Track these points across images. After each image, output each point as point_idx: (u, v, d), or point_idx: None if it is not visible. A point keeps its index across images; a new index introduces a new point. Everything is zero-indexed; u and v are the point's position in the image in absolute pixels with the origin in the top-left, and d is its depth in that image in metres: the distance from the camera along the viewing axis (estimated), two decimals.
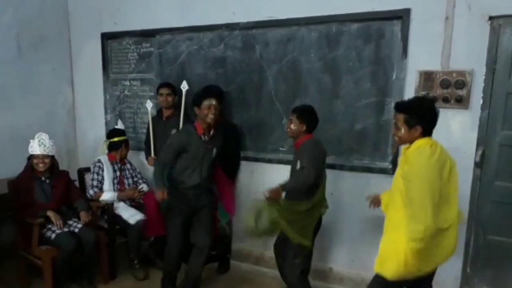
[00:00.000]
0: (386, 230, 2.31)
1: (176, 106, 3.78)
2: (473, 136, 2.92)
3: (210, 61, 3.82)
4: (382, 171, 3.20)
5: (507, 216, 2.92)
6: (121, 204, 3.62)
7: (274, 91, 3.58)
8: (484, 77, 2.83)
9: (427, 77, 2.97)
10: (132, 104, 4.38)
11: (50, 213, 3.23)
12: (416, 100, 2.27)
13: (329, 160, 3.03)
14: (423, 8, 2.94)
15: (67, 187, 3.48)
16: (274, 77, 3.56)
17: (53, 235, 3.19)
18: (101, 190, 3.63)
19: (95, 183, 3.65)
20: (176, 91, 3.77)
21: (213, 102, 2.95)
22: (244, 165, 3.78)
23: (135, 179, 3.86)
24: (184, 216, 3.11)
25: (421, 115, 2.16)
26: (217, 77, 3.79)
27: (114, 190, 3.66)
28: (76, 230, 3.29)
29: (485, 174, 2.94)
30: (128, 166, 3.86)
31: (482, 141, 2.90)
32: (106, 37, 4.38)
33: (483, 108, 2.87)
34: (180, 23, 3.88)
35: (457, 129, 2.96)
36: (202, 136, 3.02)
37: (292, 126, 2.86)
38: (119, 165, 3.76)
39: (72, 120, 4.72)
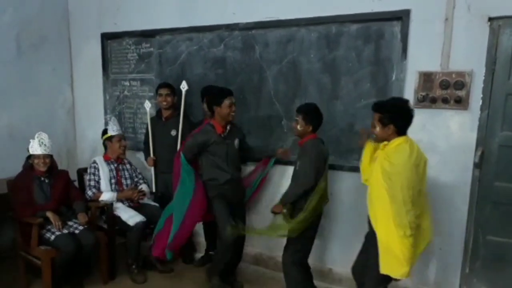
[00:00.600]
0: (376, 227, 2.37)
1: (175, 107, 3.78)
2: (473, 136, 2.92)
3: (210, 62, 3.83)
4: None
5: (506, 216, 2.93)
6: (120, 205, 3.61)
7: (273, 91, 3.58)
8: (483, 78, 2.83)
9: (426, 78, 2.98)
10: (132, 104, 4.39)
11: (49, 214, 3.22)
12: (390, 101, 2.45)
13: (329, 160, 3.03)
14: (422, 9, 2.95)
15: (67, 187, 3.48)
16: (274, 77, 3.56)
17: (52, 237, 3.18)
18: (99, 190, 3.62)
19: (92, 183, 3.64)
20: (176, 92, 3.77)
21: (233, 99, 3.12)
22: (244, 166, 3.77)
23: (135, 179, 3.84)
24: (227, 204, 3.20)
25: (393, 114, 2.33)
26: (217, 77, 3.79)
27: (111, 190, 3.64)
28: (76, 231, 3.27)
29: (485, 174, 2.94)
30: (128, 166, 3.84)
31: (482, 141, 2.90)
32: (106, 37, 4.38)
33: (482, 109, 2.87)
34: (180, 23, 3.88)
35: (457, 129, 2.96)
36: (221, 134, 3.16)
37: (298, 126, 2.90)
38: (115, 165, 3.74)
39: (72, 120, 4.72)
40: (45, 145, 3.31)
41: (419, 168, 2.32)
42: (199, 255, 3.99)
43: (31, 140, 3.29)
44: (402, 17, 3.01)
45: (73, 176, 3.82)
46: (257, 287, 3.50)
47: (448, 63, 2.92)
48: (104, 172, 3.67)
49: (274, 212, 2.96)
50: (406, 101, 2.42)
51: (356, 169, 3.31)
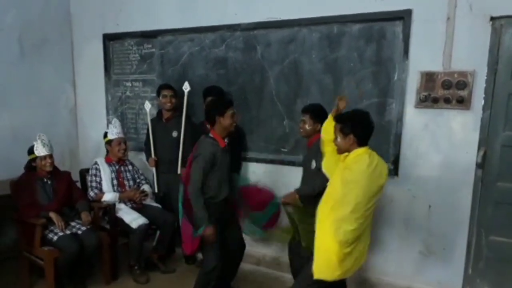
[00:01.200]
0: (318, 228, 2.39)
1: (175, 108, 3.79)
2: (475, 137, 2.91)
3: (212, 62, 3.83)
4: None
5: (509, 217, 2.92)
6: (123, 206, 3.61)
7: (275, 92, 3.58)
8: (485, 77, 2.83)
9: (428, 77, 2.97)
10: (134, 105, 4.39)
11: (52, 215, 3.23)
12: (351, 112, 2.47)
13: None
14: (424, 9, 2.94)
15: (69, 188, 3.49)
16: (276, 78, 3.56)
17: (55, 237, 3.19)
18: (101, 191, 3.63)
19: (94, 184, 3.64)
20: (177, 93, 3.77)
21: (234, 109, 2.91)
22: (246, 166, 3.78)
23: (138, 180, 3.85)
24: (220, 228, 2.94)
25: (353, 126, 2.35)
26: (219, 78, 3.80)
27: (114, 191, 3.65)
28: (79, 232, 3.29)
29: (487, 175, 2.93)
30: (130, 167, 3.85)
31: (484, 142, 2.89)
32: (108, 38, 4.39)
33: (484, 109, 2.86)
34: (182, 24, 3.89)
35: (459, 130, 2.95)
36: (223, 148, 2.91)
37: (306, 126, 2.89)
38: (116, 166, 3.74)
39: (74, 121, 4.73)
40: (47, 145, 3.35)
41: (379, 181, 2.30)
42: (201, 255, 3.99)
43: (34, 143, 3.31)
44: (404, 17, 3.00)
45: (76, 176, 3.83)
46: None
47: (450, 63, 2.91)
48: (106, 174, 3.68)
49: (285, 203, 2.91)
50: (366, 113, 2.44)
51: None
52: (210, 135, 2.90)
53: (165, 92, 3.73)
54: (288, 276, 3.48)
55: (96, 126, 4.59)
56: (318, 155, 2.75)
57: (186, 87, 3.69)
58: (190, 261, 3.89)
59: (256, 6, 3.52)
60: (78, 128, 4.76)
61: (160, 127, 3.83)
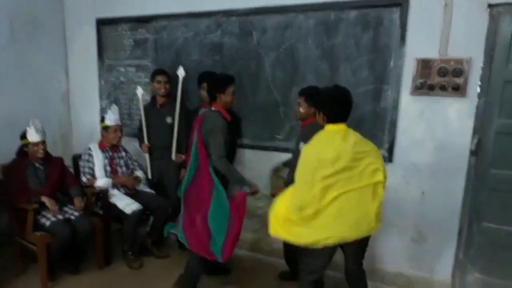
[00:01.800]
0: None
1: (169, 94, 3.75)
2: (470, 124, 2.93)
3: (207, 48, 3.79)
4: None
5: (501, 203, 2.95)
6: (116, 192, 3.59)
7: (271, 78, 3.56)
8: (482, 65, 2.83)
9: (424, 64, 2.97)
10: (128, 90, 4.34)
11: (45, 199, 3.21)
12: (323, 89, 2.53)
13: None
14: None
15: (61, 173, 3.46)
16: (272, 64, 3.54)
17: (48, 222, 3.17)
18: (93, 176, 3.60)
19: (86, 170, 3.61)
20: (171, 79, 3.74)
21: (234, 87, 2.95)
22: (240, 153, 3.77)
23: (131, 166, 3.82)
24: None
25: (320, 103, 2.41)
26: (214, 63, 3.76)
27: (106, 177, 3.62)
28: (72, 217, 3.26)
29: (481, 162, 2.96)
30: (123, 153, 3.81)
31: (479, 129, 2.91)
32: (101, 23, 4.32)
33: (480, 96, 2.88)
34: (176, 9, 3.84)
35: (454, 117, 2.97)
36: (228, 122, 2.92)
37: (300, 109, 2.89)
38: (110, 153, 3.71)
39: (67, 106, 4.67)
40: (41, 131, 3.31)
41: (339, 160, 2.21)
42: None
43: (27, 128, 3.26)
44: (401, 3, 2.99)
45: (68, 162, 3.80)
46: (253, 274, 3.51)
47: (446, 50, 2.91)
48: (99, 160, 3.64)
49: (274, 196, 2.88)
50: (339, 91, 2.40)
51: None
52: (214, 109, 2.91)
53: (159, 78, 3.69)
54: (280, 262, 3.51)
55: (89, 111, 4.54)
56: (308, 137, 2.74)
57: (181, 73, 3.65)
58: (184, 247, 3.88)
59: None
60: (70, 114, 4.70)
61: (154, 113, 3.80)
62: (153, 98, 3.86)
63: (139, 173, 3.80)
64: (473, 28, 2.82)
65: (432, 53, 2.96)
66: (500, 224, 2.97)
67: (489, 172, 2.95)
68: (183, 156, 3.61)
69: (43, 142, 3.31)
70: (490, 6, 2.74)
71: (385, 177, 2.30)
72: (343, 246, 2.49)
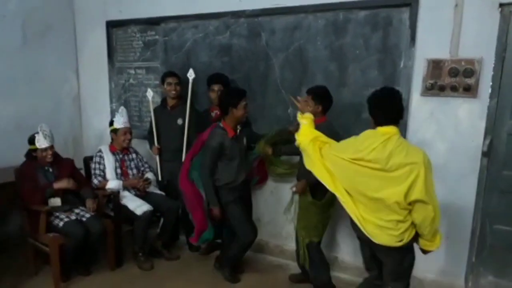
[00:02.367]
0: None
1: (180, 96, 3.77)
2: (481, 125, 2.88)
3: (216, 49, 3.80)
4: None
5: None
6: (127, 193, 3.62)
7: (280, 79, 3.55)
8: (493, 65, 2.79)
9: (435, 65, 2.94)
10: (137, 92, 4.38)
11: (57, 184, 3.28)
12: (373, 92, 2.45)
13: None
14: None
15: (72, 175, 3.48)
16: (280, 65, 3.53)
17: (61, 223, 3.21)
18: (104, 178, 3.63)
19: (97, 172, 3.64)
20: (181, 81, 3.75)
21: (247, 100, 3.12)
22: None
23: (142, 168, 3.84)
24: (243, 206, 3.28)
25: (368, 107, 2.38)
26: (223, 65, 3.77)
27: (117, 179, 3.65)
28: (84, 219, 3.30)
29: (493, 163, 2.91)
30: (133, 155, 3.84)
31: (490, 130, 2.87)
32: (111, 25, 4.36)
33: (491, 97, 2.83)
34: (186, 11, 3.85)
35: (465, 118, 2.93)
36: (233, 137, 3.13)
37: (308, 108, 2.86)
38: (120, 155, 3.74)
39: (78, 109, 4.73)
40: (49, 136, 3.32)
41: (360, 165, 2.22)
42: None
43: (35, 135, 3.28)
44: (411, 3, 2.96)
45: (80, 164, 3.84)
46: (264, 275, 3.51)
47: (457, 50, 2.87)
48: (109, 162, 3.67)
49: (296, 193, 2.99)
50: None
51: None
52: (221, 124, 3.12)
53: (170, 80, 3.71)
54: (292, 264, 3.51)
55: (100, 114, 4.59)
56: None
57: (191, 75, 3.66)
58: (194, 248, 3.91)
59: None
60: (81, 116, 4.75)
61: (164, 115, 3.81)
62: (164, 100, 3.87)
63: (149, 175, 3.82)
64: (484, 28, 2.77)
65: (442, 54, 2.92)
66: None
67: (502, 174, 2.91)
68: None
69: (51, 147, 3.33)
70: (501, 5, 2.69)
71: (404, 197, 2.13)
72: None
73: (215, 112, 3.62)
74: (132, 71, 4.36)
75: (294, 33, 3.43)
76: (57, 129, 3.47)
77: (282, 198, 3.62)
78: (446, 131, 2.99)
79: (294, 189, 2.96)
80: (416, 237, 2.30)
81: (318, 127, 2.83)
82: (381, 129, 2.25)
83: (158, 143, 3.84)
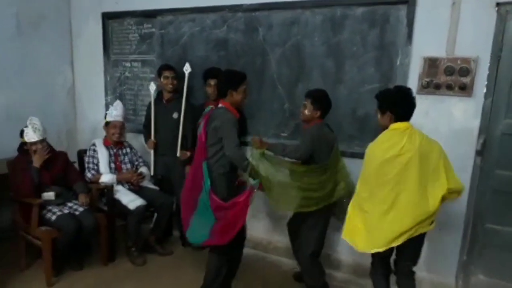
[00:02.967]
0: None
1: (176, 90, 3.74)
2: (476, 124, 2.90)
3: (213, 43, 3.78)
4: None
5: (506, 205, 2.93)
6: (121, 188, 3.59)
7: (276, 75, 3.54)
8: (489, 64, 2.80)
9: (431, 63, 2.95)
10: (133, 86, 4.35)
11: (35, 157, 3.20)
12: (392, 89, 2.56)
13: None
14: None
15: (65, 169, 3.46)
16: (277, 60, 3.52)
17: (54, 217, 3.18)
18: (98, 172, 3.60)
19: (91, 165, 3.62)
20: (178, 74, 3.73)
21: (247, 85, 2.85)
22: (244, 150, 3.75)
23: (136, 163, 3.82)
24: None
25: (388, 102, 2.45)
26: (219, 59, 3.75)
27: (111, 173, 3.62)
28: (77, 213, 3.27)
29: (486, 162, 2.93)
30: (128, 150, 3.81)
31: (484, 129, 2.88)
32: (107, 17, 4.32)
33: (486, 96, 2.84)
34: (183, 4, 3.82)
35: (460, 117, 2.94)
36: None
37: (306, 111, 2.86)
38: (114, 150, 3.71)
39: (72, 101, 4.68)
40: (39, 130, 3.25)
41: (396, 161, 2.29)
42: None
43: (24, 128, 3.24)
44: (408, 1, 2.96)
45: (74, 157, 3.80)
46: (257, 272, 3.51)
47: (453, 49, 2.88)
48: (103, 156, 3.64)
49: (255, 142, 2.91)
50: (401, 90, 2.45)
51: (358, 155, 3.30)
52: (222, 105, 2.78)
53: (167, 73, 3.68)
54: (283, 260, 3.51)
55: (95, 106, 4.55)
56: (305, 136, 2.82)
57: (187, 69, 3.64)
58: (187, 244, 3.89)
59: None
60: (76, 108, 4.71)
61: (160, 109, 3.79)
62: (159, 94, 3.85)
63: (143, 169, 3.79)
64: (481, 27, 2.78)
65: (439, 52, 2.92)
66: (504, 225, 2.95)
67: (495, 173, 2.93)
68: (188, 153, 3.61)
69: (41, 141, 3.26)
70: (498, 4, 2.70)
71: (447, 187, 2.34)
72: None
73: (210, 107, 3.60)
74: (128, 64, 4.33)
75: (291, 28, 3.42)
76: (51, 121, 3.43)
77: None
78: (441, 130, 3.00)
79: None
80: None
81: (309, 129, 2.84)
82: (401, 125, 2.36)
83: (154, 137, 3.80)
